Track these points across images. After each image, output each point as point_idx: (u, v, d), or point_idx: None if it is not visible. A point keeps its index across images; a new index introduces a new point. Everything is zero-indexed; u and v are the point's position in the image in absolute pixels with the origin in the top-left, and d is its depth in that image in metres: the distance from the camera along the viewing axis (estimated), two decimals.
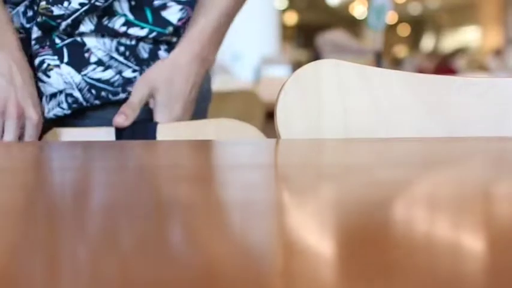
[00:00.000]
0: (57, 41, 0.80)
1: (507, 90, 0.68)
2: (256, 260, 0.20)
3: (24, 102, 0.73)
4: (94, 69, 0.80)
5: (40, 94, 0.79)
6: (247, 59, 6.78)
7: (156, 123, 0.77)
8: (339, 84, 0.65)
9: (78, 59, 0.80)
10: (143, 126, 0.78)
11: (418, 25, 15.37)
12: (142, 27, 0.81)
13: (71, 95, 0.80)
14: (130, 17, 0.81)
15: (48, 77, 0.79)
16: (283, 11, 12.90)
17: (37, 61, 0.80)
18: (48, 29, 0.79)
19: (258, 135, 0.76)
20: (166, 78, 0.80)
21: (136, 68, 0.82)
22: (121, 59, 0.81)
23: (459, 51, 9.45)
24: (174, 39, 0.84)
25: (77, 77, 0.79)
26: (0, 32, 0.75)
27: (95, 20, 0.80)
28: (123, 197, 0.31)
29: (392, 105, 0.66)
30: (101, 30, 0.80)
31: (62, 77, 0.79)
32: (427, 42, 14.88)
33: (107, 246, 0.21)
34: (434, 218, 0.26)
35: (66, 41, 0.80)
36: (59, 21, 0.78)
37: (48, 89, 0.80)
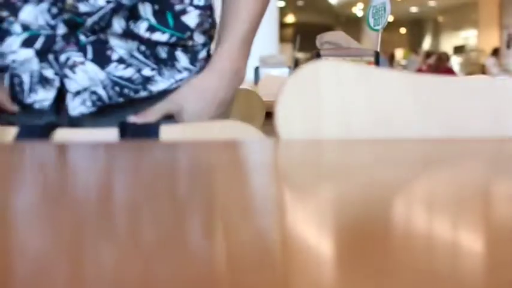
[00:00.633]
0: (82, 37, 0.81)
1: (505, 91, 0.68)
2: (256, 260, 0.20)
3: None
4: (116, 66, 0.82)
5: (64, 91, 0.81)
6: None
7: (159, 124, 0.77)
8: (338, 85, 0.65)
9: (101, 56, 0.81)
10: (146, 127, 0.78)
11: (418, 25, 15.38)
12: (163, 32, 0.83)
13: (95, 92, 0.81)
14: (153, 21, 0.82)
15: (74, 73, 0.81)
16: (282, 8, 12.91)
17: (63, 57, 0.81)
18: (74, 25, 0.81)
19: (259, 136, 0.76)
20: (193, 100, 0.83)
21: (155, 66, 0.83)
22: (141, 57, 0.83)
23: (458, 51, 9.46)
24: (190, 43, 0.86)
25: (101, 74, 0.81)
26: None
27: (122, 23, 0.81)
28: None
29: (391, 105, 0.66)
30: (128, 34, 0.82)
31: (87, 74, 0.81)
32: (427, 43, 14.89)
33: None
34: (433, 218, 0.26)
35: (90, 38, 0.81)
36: (84, 18, 0.79)
37: (72, 86, 0.81)
